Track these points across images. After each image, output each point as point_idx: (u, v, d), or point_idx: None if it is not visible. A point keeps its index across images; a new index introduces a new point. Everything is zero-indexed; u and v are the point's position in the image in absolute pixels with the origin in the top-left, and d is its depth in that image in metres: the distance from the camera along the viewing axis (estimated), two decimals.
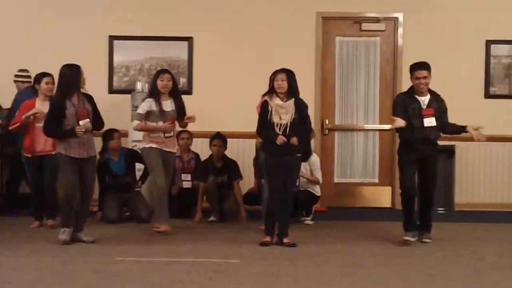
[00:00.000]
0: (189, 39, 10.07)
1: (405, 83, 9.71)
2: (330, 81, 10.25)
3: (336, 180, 10.29)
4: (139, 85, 9.73)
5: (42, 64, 9.85)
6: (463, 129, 7.56)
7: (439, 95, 7.55)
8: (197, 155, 9.32)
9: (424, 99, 7.43)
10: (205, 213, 8.97)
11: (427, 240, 7.50)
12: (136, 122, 7.85)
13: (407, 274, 6.24)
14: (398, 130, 7.46)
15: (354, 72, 10.29)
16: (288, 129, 7.24)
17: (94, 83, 9.81)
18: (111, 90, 10.13)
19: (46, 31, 10.10)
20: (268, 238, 7.41)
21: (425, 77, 7.39)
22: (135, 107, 9.50)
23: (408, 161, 7.44)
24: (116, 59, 10.12)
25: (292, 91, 7.34)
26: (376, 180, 10.30)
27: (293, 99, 7.31)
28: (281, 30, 10.06)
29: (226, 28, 10.08)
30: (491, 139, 9.93)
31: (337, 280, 6.03)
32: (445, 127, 7.57)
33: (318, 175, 8.85)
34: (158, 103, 7.73)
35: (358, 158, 10.37)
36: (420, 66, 7.45)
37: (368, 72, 10.28)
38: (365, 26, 10.21)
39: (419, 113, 7.39)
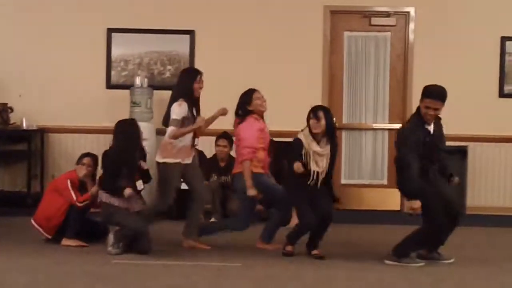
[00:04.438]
0: (190, 33, 9.92)
1: (417, 81, 9.71)
2: (338, 78, 10.09)
3: (343, 181, 10.11)
4: (138, 80, 9.53)
5: (38, 57, 9.93)
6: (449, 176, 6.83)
7: (439, 118, 6.79)
8: (200, 153, 9.06)
9: (430, 128, 6.68)
10: (207, 214, 8.70)
11: (452, 260, 6.81)
12: (172, 129, 7.02)
13: (417, 279, 6.15)
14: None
15: (363, 69, 10.11)
16: (322, 177, 6.81)
17: (91, 78, 9.98)
18: (109, 85, 9.96)
19: (41, 24, 9.96)
20: (290, 248, 6.93)
21: (436, 109, 6.56)
22: (133, 103, 9.42)
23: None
24: (115, 52, 9.94)
25: (330, 132, 6.86)
26: (385, 182, 10.09)
27: (328, 145, 6.85)
28: (287, 24, 9.87)
29: (229, 22, 9.89)
30: (506, 140, 9.95)
31: (345, 285, 5.96)
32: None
33: None
34: (191, 107, 7.09)
35: (366, 158, 10.18)
36: (436, 95, 6.56)
37: (377, 69, 10.10)
38: (374, 20, 10.04)
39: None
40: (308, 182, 6.78)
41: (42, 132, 9.85)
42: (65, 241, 7.23)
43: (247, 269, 6.37)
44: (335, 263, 6.64)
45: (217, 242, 7.43)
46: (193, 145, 7.20)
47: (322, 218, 6.81)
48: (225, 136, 8.85)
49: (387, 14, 9.99)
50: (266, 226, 7.39)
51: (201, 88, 7.17)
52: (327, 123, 6.80)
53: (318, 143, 6.81)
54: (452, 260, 6.74)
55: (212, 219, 8.66)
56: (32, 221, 7.42)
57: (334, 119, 7.03)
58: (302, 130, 6.91)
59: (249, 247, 7.23)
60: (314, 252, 6.92)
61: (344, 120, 10.08)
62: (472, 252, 7.25)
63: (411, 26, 9.94)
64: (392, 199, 9.96)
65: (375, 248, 7.29)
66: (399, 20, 10.02)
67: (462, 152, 9.66)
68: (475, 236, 8.22)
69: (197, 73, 7.23)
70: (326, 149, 6.84)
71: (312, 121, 6.81)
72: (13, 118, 9.68)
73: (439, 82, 6.81)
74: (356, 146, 10.13)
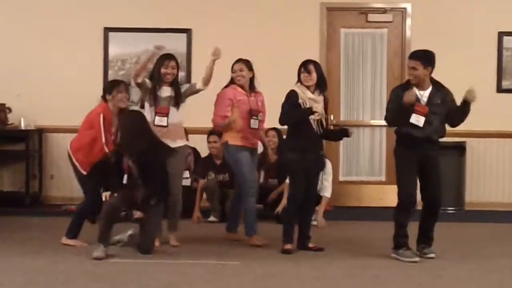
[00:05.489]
0: (187, 31, 9.92)
1: None
2: (335, 75, 10.04)
3: (341, 178, 10.07)
4: None
5: (36, 57, 9.91)
6: (465, 105, 6.73)
7: (443, 87, 6.76)
8: (194, 150, 9.05)
9: (423, 93, 6.64)
10: (205, 212, 8.74)
11: (432, 256, 6.69)
12: None
13: (416, 275, 6.08)
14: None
15: (360, 66, 10.10)
16: (321, 125, 6.86)
17: (89, 77, 9.91)
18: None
19: (38, 23, 9.95)
20: (289, 245, 6.89)
21: (412, 68, 6.58)
22: (131, 102, 9.27)
23: (407, 161, 6.66)
24: (112, 51, 9.95)
25: (321, 84, 6.93)
26: (383, 179, 10.07)
27: (322, 95, 6.91)
28: (284, 21, 9.85)
29: (226, 20, 9.89)
30: (504, 135, 9.92)
31: (343, 282, 5.88)
32: (455, 119, 6.80)
33: (328, 189, 8.48)
34: (155, 87, 7.07)
35: (364, 155, 10.17)
36: (410, 55, 6.74)
37: (374, 66, 10.08)
38: (371, 17, 10.03)
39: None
40: (310, 132, 6.79)
41: (40, 132, 9.84)
42: (64, 240, 7.14)
43: (245, 267, 6.29)
44: (334, 260, 6.58)
45: (215, 240, 7.41)
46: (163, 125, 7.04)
47: (306, 200, 6.90)
48: (214, 132, 8.75)
49: (384, 11, 9.98)
50: (244, 220, 7.37)
51: (169, 73, 7.05)
52: (317, 75, 6.86)
53: (313, 93, 6.88)
54: (433, 255, 6.66)
55: (211, 218, 8.64)
56: (71, 154, 7.23)
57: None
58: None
59: (247, 245, 7.17)
60: (310, 245, 6.95)
61: (342, 117, 10.05)
62: (470, 248, 7.19)
63: (408, 22, 9.93)
64: (390, 196, 9.80)
65: (373, 245, 7.23)
66: (395, 16, 10.01)
67: (460, 148, 9.67)
68: (473, 232, 8.18)
69: (165, 58, 7.13)
70: (320, 97, 6.89)
71: (303, 75, 6.86)
72: (11, 118, 9.67)
73: (436, 78, 6.78)
74: (354, 143, 10.09)
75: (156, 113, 7.04)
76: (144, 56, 9.49)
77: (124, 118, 6.94)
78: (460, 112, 6.72)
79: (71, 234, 7.15)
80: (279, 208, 8.46)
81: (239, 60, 7.43)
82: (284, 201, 8.45)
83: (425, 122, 6.55)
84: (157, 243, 6.99)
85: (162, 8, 9.89)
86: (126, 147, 6.79)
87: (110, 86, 7.29)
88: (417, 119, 6.53)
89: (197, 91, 7.23)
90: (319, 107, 6.84)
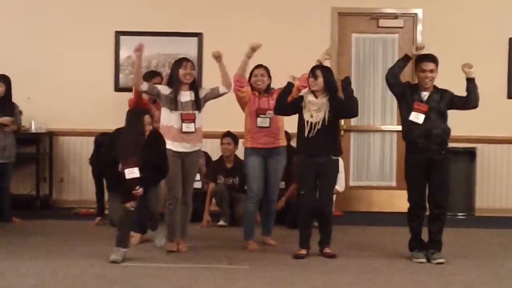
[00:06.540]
0: (198, 35, 9.90)
1: None
2: None
3: (351, 183, 10.01)
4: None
5: (47, 60, 9.92)
6: (469, 83, 6.81)
7: (445, 90, 6.83)
8: (206, 154, 9.04)
9: (426, 94, 6.76)
10: (214, 216, 8.71)
11: (441, 261, 6.68)
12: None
13: (427, 281, 6.06)
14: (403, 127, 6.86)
15: (371, 71, 10.07)
16: (318, 129, 6.77)
17: (100, 81, 9.95)
18: (117, 88, 9.92)
19: (49, 27, 9.96)
20: (303, 251, 6.87)
21: (431, 70, 6.71)
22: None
23: (414, 167, 6.76)
24: (123, 55, 9.92)
25: (329, 89, 6.88)
26: (394, 184, 10.01)
27: (327, 97, 6.84)
28: (295, 26, 9.82)
29: (237, 24, 9.85)
30: None
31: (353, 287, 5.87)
32: (468, 99, 6.81)
33: (340, 182, 8.46)
34: (175, 91, 7.00)
35: (374, 160, 10.12)
36: (426, 58, 6.79)
37: (385, 71, 9.55)
38: (382, 22, 9.99)
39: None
40: (305, 135, 6.79)
41: (50, 135, 9.82)
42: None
43: (255, 271, 6.28)
44: (344, 265, 6.57)
45: (225, 244, 7.41)
46: (181, 130, 6.97)
47: (319, 211, 6.91)
48: (228, 134, 8.83)
49: (395, 16, 9.96)
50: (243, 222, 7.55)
51: (187, 74, 7.02)
52: (325, 80, 6.85)
53: (316, 98, 6.87)
54: (442, 261, 6.67)
55: (221, 223, 8.61)
56: None
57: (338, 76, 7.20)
58: None
59: (259, 250, 7.17)
60: (325, 250, 6.91)
61: (353, 122, 9.99)
62: (481, 255, 7.16)
63: (419, 27, 9.89)
64: (401, 201, 9.75)
65: (384, 250, 7.23)
66: (407, 22, 9.97)
67: (470, 154, 9.62)
68: (484, 238, 8.13)
69: (182, 60, 7.17)
70: (321, 100, 6.82)
71: (310, 80, 6.91)
72: (22, 121, 9.45)
73: (447, 83, 6.83)
74: (365, 148, 10.07)
75: (183, 120, 6.97)
76: (154, 60, 9.62)
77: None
78: (469, 91, 6.81)
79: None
80: (278, 207, 8.46)
81: (260, 65, 7.51)
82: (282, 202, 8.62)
83: (425, 118, 6.66)
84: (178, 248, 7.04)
85: (173, 12, 9.86)
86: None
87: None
88: (416, 117, 6.67)
89: (220, 95, 7.19)
90: (319, 112, 6.79)
